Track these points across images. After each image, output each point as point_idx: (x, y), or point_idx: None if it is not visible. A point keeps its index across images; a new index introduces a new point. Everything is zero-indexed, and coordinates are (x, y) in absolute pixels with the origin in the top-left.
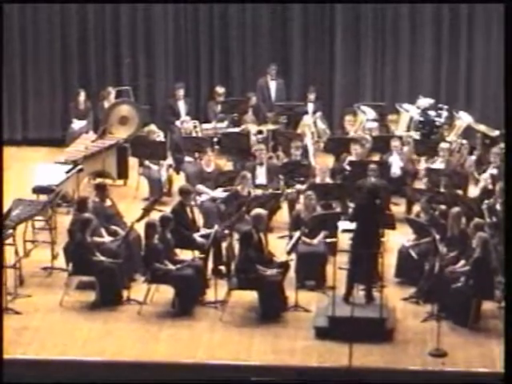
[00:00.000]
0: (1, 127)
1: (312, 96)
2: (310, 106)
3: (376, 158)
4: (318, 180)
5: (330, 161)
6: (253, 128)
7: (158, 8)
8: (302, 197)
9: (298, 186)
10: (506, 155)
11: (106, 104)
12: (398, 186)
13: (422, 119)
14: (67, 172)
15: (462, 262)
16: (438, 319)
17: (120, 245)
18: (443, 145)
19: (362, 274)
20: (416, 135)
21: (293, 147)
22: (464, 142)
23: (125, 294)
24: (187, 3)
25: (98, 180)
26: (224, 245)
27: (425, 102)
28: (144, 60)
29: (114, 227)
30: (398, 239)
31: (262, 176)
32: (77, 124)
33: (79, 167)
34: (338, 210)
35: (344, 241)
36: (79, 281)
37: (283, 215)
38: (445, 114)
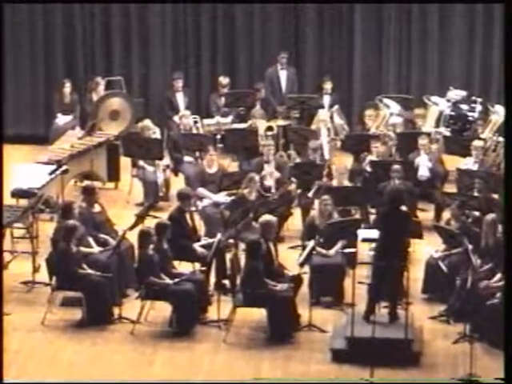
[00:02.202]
0: (1, 125)
1: (328, 87)
2: (326, 99)
3: (401, 157)
4: (334, 183)
5: (348, 161)
6: (261, 124)
7: None
8: (316, 202)
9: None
10: (505, 156)
11: (95, 96)
12: (425, 190)
13: (452, 114)
14: (50, 173)
15: (499, 275)
16: (471, 341)
17: (110, 256)
18: (477, 143)
19: (385, 289)
20: (446, 132)
21: (310, 148)
22: (500, 139)
23: (116, 311)
24: None
25: (86, 182)
26: (228, 256)
27: (456, 94)
28: (138, 46)
29: (103, 236)
30: (425, 250)
31: (270, 176)
32: (61, 119)
33: (64, 168)
34: (358, 216)
35: (364, 251)
36: (64, 297)
37: (295, 222)
38: (479, 107)
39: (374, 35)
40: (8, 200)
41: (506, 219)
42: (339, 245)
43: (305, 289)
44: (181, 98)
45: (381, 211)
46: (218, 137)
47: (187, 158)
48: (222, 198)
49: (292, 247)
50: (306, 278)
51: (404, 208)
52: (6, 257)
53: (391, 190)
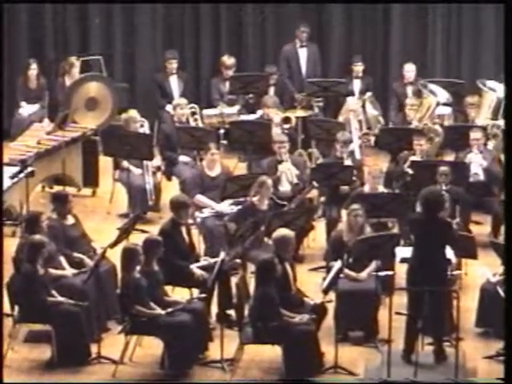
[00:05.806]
0: (1, 124)
1: (359, 69)
2: (357, 84)
3: (449, 157)
4: (366, 188)
5: (384, 161)
6: (275, 115)
7: None
8: (344, 212)
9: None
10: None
11: (68, 80)
12: (480, 198)
13: None
14: (12, 177)
15: None
16: None
17: (87, 280)
18: None
19: (429, 321)
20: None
21: (339, 142)
22: None
23: (93, 349)
24: None
25: (56, 188)
26: (234, 280)
27: None
28: (121, 19)
29: (78, 255)
30: (480, 272)
31: (286, 181)
32: (26, 109)
33: (29, 170)
34: (395, 231)
35: (403, 274)
36: (29, 331)
37: (318, 238)
38: None
39: (416, 5)
40: None
41: (506, 219)
42: (372, 266)
43: (330, 321)
44: (175, 83)
45: (412, 218)
46: (222, 131)
47: (183, 158)
48: (227, 207)
49: (314, 269)
50: (331, 307)
51: (442, 215)
52: None
53: (426, 192)
